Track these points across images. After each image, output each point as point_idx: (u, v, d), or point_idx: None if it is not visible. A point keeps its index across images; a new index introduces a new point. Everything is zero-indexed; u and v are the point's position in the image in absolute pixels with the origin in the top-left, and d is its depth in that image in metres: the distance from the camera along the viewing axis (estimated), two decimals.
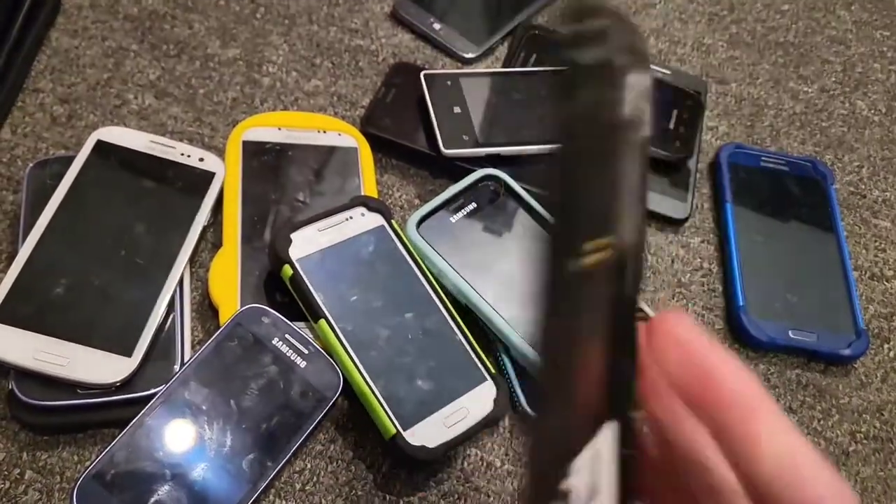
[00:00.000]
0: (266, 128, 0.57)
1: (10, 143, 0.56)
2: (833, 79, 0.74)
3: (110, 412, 0.45)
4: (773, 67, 0.74)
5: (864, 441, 0.54)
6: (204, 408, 0.45)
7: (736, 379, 0.22)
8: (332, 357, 0.48)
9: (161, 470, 0.43)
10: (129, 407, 0.44)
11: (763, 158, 0.65)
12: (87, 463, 0.44)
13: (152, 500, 0.42)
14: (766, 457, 0.21)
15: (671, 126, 0.64)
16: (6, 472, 0.44)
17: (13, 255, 0.49)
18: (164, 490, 0.42)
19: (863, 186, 0.67)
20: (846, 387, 0.56)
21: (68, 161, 0.52)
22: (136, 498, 0.42)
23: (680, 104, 0.65)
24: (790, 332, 0.55)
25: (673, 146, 0.62)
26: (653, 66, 0.69)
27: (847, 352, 0.55)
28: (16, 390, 0.44)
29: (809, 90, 0.73)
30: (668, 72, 0.69)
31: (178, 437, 0.44)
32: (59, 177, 0.51)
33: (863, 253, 0.63)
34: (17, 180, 0.54)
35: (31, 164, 0.52)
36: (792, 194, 0.63)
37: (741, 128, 0.69)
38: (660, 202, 0.61)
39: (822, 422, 0.54)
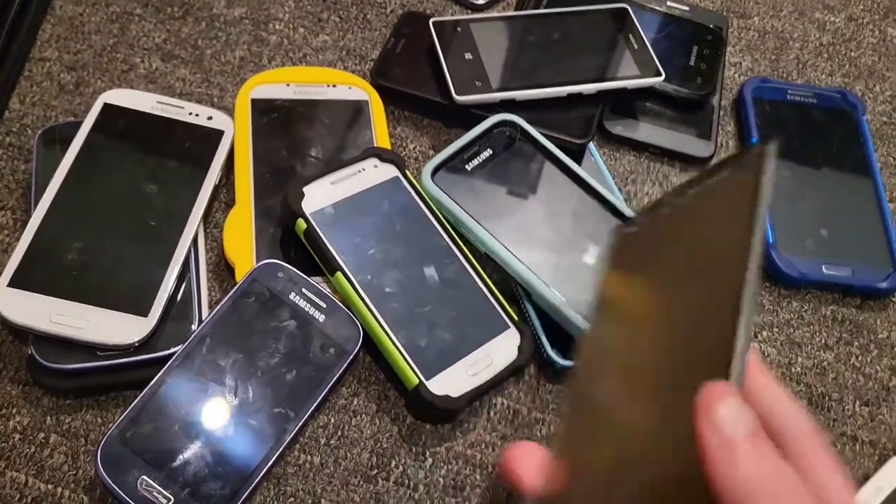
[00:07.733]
0: (274, 84, 0.56)
1: (19, 113, 0.55)
2: (861, 6, 0.71)
3: (131, 373, 0.45)
4: None
5: None
6: (224, 365, 0.44)
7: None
8: (350, 310, 0.47)
9: (184, 428, 0.42)
10: (150, 367, 0.44)
11: (789, 92, 0.62)
12: (111, 425, 0.44)
13: (177, 458, 0.41)
14: None
15: (691, 63, 0.61)
16: (31, 437, 0.44)
17: (27, 222, 0.48)
18: (188, 448, 0.42)
19: None
20: (884, 321, 0.54)
21: (77, 126, 0.51)
22: (161, 457, 0.41)
23: (700, 40, 0.63)
24: (824, 268, 0.54)
25: (694, 83, 0.60)
26: (671, 3, 0.66)
27: (884, 285, 0.53)
28: (35, 355, 0.44)
29: (836, 20, 0.70)
30: (686, 8, 0.66)
31: (200, 395, 0.43)
32: (69, 143, 0.50)
33: None
34: (27, 149, 0.53)
35: (39, 132, 0.52)
36: (821, 127, 0.61)
37: (765, 62, 0.66)
38: (683, 142, 0.59)
39: (860, 358, 0.52)
